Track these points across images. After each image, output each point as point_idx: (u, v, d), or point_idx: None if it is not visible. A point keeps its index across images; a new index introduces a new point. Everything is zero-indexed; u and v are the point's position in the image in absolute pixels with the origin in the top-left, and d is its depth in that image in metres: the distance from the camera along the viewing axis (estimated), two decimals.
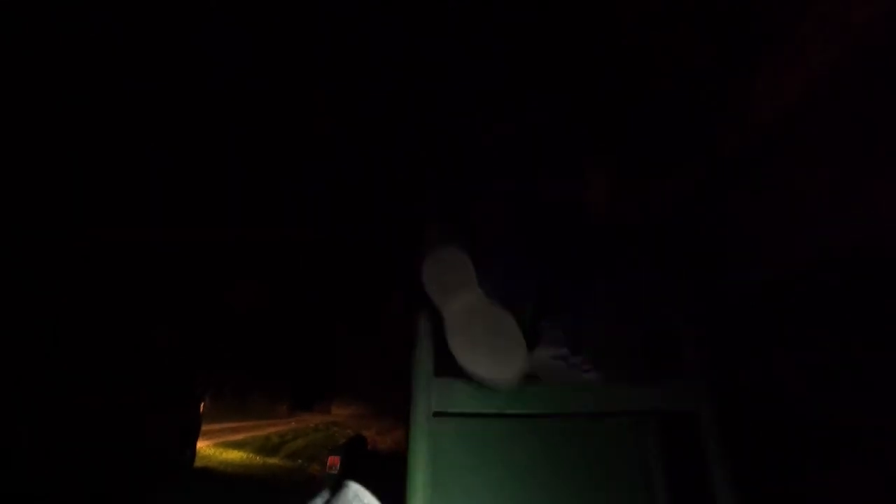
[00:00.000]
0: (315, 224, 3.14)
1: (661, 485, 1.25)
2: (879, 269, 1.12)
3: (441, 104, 2.10)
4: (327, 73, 2.25)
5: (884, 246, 1.10)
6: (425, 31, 2.05)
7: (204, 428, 6.89)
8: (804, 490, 1.28)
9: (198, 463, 6.46)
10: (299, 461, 7.93)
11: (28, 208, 2.93)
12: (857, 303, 1.27)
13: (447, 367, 1.02)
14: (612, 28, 1.54)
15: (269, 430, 10.92)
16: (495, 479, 1.19)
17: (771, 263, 1.29)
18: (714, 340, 1.38)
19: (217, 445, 8.14)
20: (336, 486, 0.95)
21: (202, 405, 6.70)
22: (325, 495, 0.94)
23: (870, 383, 1.21)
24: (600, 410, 1.10)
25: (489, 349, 0.92)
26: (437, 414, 0.99)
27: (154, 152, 2.52)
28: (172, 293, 5.04)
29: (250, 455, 7.98)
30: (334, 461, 4.33)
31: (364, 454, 4.41)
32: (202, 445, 7.13)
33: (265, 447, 8.88)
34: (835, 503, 1.21)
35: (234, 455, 7.80)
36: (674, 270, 1.41)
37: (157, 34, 2.07)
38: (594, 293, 1.37)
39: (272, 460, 7.87)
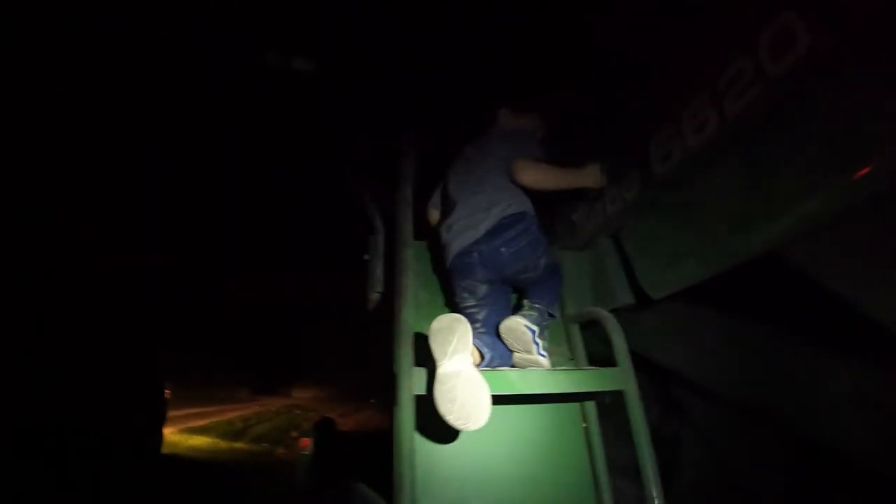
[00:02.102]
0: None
1: (602, 455, 1.53)
2: (774, 276, 1.36)
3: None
4: (327, 72, 2.33)
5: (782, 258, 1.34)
6: (425, 31, 2.16)
7: (168, 414, 6.89)
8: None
9: (165, 450, 6.47)
10: (264, 445, 8.02)
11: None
12: (742, 303, 1.56)
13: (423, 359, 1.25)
14: None
15: (232, 414, 10.87)
16: (466, 450, 1.43)
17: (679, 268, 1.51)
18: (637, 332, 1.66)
19: (182, 431, 8.11)
20: (343, 492, 1.02)
21: (167, 392, 6.68)
22: (331, 499, 1.02)
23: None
24: (549, 391, 1.34)
25: (461, 407, 1.10)
26: (419, 396, 1.21)
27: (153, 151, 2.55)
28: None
29: (216, 440, 8.01)
30: (306, 443, 4.51)
31: (334, 435, 4.60)
32: (168, 432, 7.12)
33: (230, 432, 8.89)
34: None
35: (200, 441, 7.82)
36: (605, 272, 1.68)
37: (157, 35, 2.10)
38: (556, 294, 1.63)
39: (238, 444, 7.93)
